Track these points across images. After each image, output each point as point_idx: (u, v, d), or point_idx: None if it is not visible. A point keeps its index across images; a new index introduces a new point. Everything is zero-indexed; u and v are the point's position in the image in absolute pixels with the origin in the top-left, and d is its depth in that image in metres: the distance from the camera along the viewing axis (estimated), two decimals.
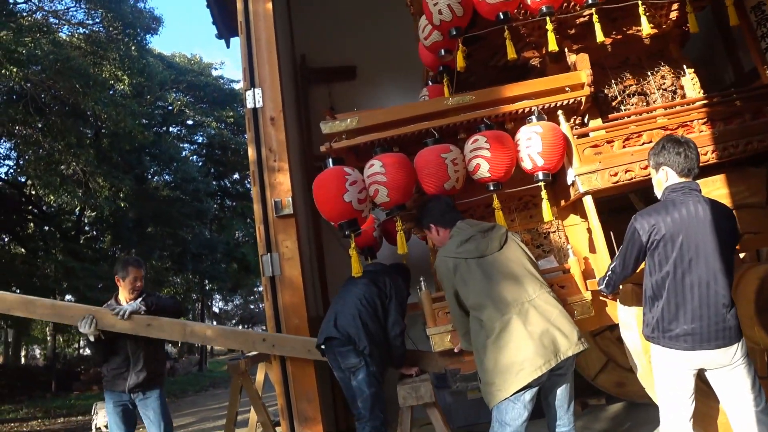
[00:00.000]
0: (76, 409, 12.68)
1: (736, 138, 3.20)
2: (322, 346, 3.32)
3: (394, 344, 3.30)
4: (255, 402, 4.66)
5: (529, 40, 3.73)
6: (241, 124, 17.94)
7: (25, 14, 10.65)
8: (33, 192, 14.39)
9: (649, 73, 3.73)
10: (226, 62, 63.26)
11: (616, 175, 3.07)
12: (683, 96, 3.66)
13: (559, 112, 3.18)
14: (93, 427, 8.30)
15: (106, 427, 7.12)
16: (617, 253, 2.65)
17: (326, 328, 3.27)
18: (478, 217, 3.32)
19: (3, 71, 8.69)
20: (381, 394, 3.19)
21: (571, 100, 3.21)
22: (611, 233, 3.18)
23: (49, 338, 21.84)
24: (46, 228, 14.37)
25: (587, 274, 3.21)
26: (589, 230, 3.36)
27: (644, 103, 3.65)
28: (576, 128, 3.33)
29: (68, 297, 16.04)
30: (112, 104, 10.26)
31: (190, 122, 18.53)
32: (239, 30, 4.18)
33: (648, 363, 2.95)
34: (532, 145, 2.92)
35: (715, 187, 3.18)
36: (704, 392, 2.70)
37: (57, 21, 11.03)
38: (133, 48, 11.29)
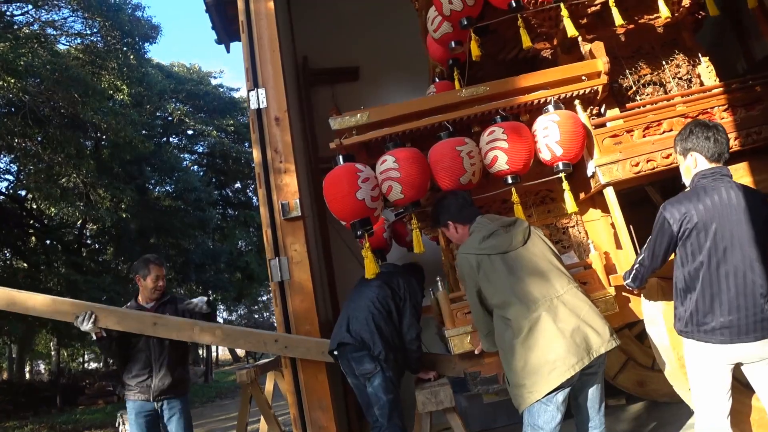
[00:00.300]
0: (81, 424, 12.54)
1: (758, 124, 3.12)
2: (335, 352, 3.19)
3: (410, 348, 3.17)
4: (265, 412, 4.53)
5: (540, 31, 3.64)
6: (241, 133, 17.89)
7: (22, 25, 10.58)
8: (34, 206, 14.30)
9: (663, 62, 3.63)
10: (225, 71, 63.30)
11: (637, 165, 2.97)
12: (700, 84, 3.56)
13: (576, 101, 3.07)
14: None
15: None
16: (645, 245, 2.53)
17: (338, 333, 3.14)
18: (494, 213, 3.20)
19: (1, 83, 8.61)
20: (398, 401, 3.06)
21: (588, 90, 3.11)
22: (630, 227, 3.08)
23: (53, 353, 21.73)
24: (48, 241, 14.26)
25: (609, 269, 3.11)
26: (613, 226, 3.26)
27: (659, 93, 3.55)
28: (593, 118, 3.22)
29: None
30: (112, 114, 10.16)
31: (190, 132, 18.45)
32: (241, 29, 4.08)
33: (677, 360, 2.84)
34: (549, 134, 2.81)
35: (739, 176, 3.07)
36: (735, 388, 2.58)
37: (55, 32, 10.97)
38: (131, 57, 11.21)
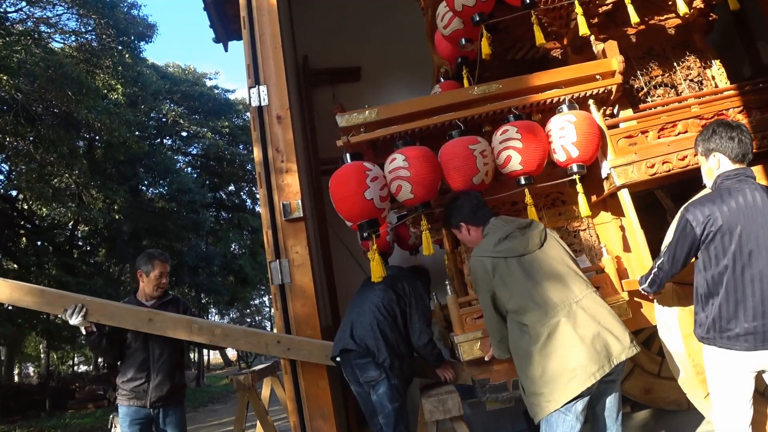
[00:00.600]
0: (71, 429, 12.32)
1: None
2: (338, 359, 3.08)
3: (425, 352, 3.07)
4: (262, 419, 4.41)
5: (551, 30, 3.58)
6: (236, 135, 17.77)
7: (15, 22, 10.42)
8: (25, 206, 14.09)
9: (675, 64, 3.57)
10: (221, 72, 63.12)
11: (653, 166, 2.89)
12: (716, 86, 3.50)
13: (590, 101, 2.99)
14: None
15: None
16: (664, 249, 2.44)
17: (342, 339, 3.02)
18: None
19: None
20: (404, 409, 2.95)
21: (602, 90, 3.04)
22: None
23: (42, 356, 21.43)
24: (39, 243, 14.05)
25: (620, 273, 3.04)
26: (622, 228, 3.18)
27: (671, 95, 3.49)
28: (606, 119, 3.14)
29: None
30: (106, 113, 10.00)
31: (184, 133, 18.31)
32: (242, 25, 3.98)
33: (692, 367, 2.76)
34: (566, 135, 2.73)
35: None
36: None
37: (49, 29, 10.81)
38: (127, 56, 11.06)
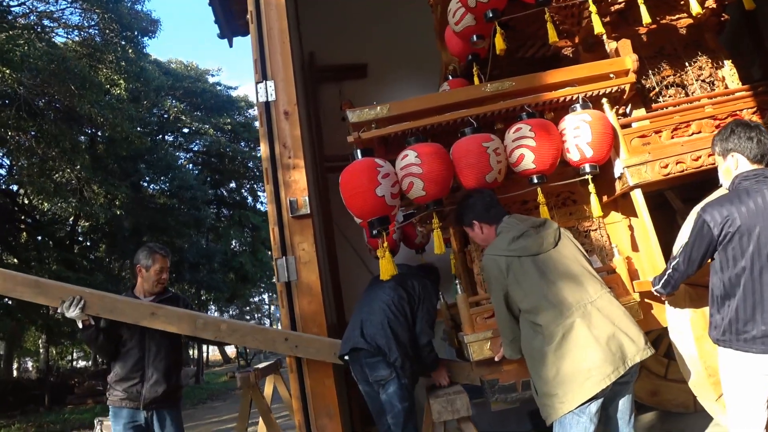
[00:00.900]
0: (70, 424, 12.30)
1: None
2: (346, 357, 3.04)
3: (423, 353, 3.03)
4: (266, 417, 4.39)
5: (563, 28, 3.55)
6: (238, 131, 17.72)
7: (18, 15, 10.36)
8: (26, 201, 14.05)
9: (686, 64, 3.54)
10: (223, 69, 62.92)
11: (666, 167, 2.87)
12: (724, 87, 3.47)
13: (604, 100, 2.96)
14: None
15: None
16: (679, 250, 2.41)
17: (351, 338, 2.99)
18: None
19: None
20: (413, 409, 2.91)
21: (615, 89, 3.00)
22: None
23: (41, 350, 21.38)
24: (39, 237, 14.00)
25: (631, 274, 3.01)
26: (631, 228, 3.15)
27: (682, 95, 3.46)
28: (618, 118, 3.11)
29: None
30: (109, 108, 9.94)
31: (186, 130, 18.25)
32: (249, 20, 3.93)
33: (704, 369, 2.74)
34: (580, 134, 2.70)
35: None
36: None
37: (52, 23, 10.75)
38: (130, 51, 11.00)
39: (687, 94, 3.43)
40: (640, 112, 3.19)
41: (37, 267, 12.62)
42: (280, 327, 3.88)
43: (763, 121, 3.09)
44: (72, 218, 14.29)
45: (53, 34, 10.78)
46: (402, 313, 2.98)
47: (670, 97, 3.41)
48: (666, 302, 2.87)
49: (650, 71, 3.47)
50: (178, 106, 16.84)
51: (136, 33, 11.42)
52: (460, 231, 3.21)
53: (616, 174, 2.89)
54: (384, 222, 2.63)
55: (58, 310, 3.03)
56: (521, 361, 2.69)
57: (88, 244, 16.23)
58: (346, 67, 5.87)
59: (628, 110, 3.24)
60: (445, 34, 3.58)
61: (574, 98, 2.90)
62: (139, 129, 13.48)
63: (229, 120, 17.90)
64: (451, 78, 4.12)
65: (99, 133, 12.24)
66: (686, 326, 2.79)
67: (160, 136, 17.37)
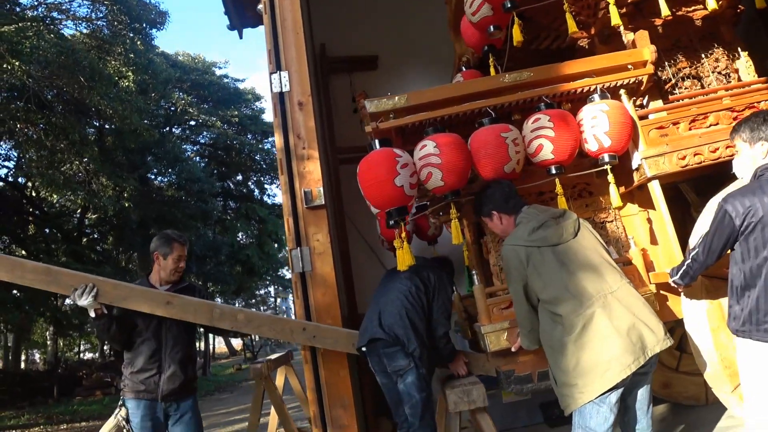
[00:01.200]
0: (79, 415, 12.41)
1: None
2: (363, 349, 3.04)
3: (439, 345, 3.04)
4: (279, 408, 4.42)
5: (579, 20, 3.52)
6: (245, 124, 17.72)
7: (26, 7, 10.36)
8: (34, 193, 14.11)
9: (702, 56, 3.52)
10: (231, 61, 62.76)
11: (684, 158, 2.86)
12: (738, 79, 3.45)
13: (622, 91, 2.95)
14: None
15: None
16: (698, 240, 2.41)
17: (369, 328, 2.98)
18: None
19: (5, 65, 8.39)
20: (431, 399, 2.92)
21: (632, 80, 2.99)
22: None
23: (49, 342, 21.53)
24: (48, 230, 14.08)
25: (647, 266, 3.00)
26: (649, 220, 3.15)
27: (697, 87, 3.44)
28: (636, 110, 3.10)
29: (68, 301, 15.72)
30: (119, 100, 9.95)
31: (192, 122, 18.27)
32: (263, 10, 3.93)
33: (720, 361, 2.74)
34: (598, 124, 2.69)
35: None
36: None
37: (60, 16, 10.74)
38: (138, 43, 10.99)
39: (703, 86, 3.42)
40: (657, 103, 3.18)
41: (46, 259, 12.69)
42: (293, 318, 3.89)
43: None
44: (79, 210, 14.35)
45: (61, 26, 10.80)
46: (419, 303, 2.99)
47: (686, 89, 3.39)
48: (682, 294, 2.87)
49: (666, 63, 3.45)
50: (186, 99, 16.84)
51: (144, 25, 11.41)
52: (474, 222, 3.21)
53: (634, 165, 2.89)
54: (402, 212, 2.63)
55: (70, 299, 2.94)
56: (537, 352, 2.70)
57: (96, 236, 16.31)
58: (356, 59, 5.85)
59: (645, 102, 3.22)
60: (460, 25, 3.56)
61: (591, 89, 2.89)
62: (146, 122, 13.52)
63: (236, 112, 17.90)
64: (464, 69, 4.10)
65: (107, 126, 12.24)
66: (702, 318, 2.79)
67: (167, 129, 17.39)
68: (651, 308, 2.30)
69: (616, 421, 2.25)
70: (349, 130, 5.52)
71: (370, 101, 2.73)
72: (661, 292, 3.02)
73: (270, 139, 19.79)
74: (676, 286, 2.64)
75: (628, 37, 3.25)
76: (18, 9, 9.78)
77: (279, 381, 5.09)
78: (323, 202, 3.58)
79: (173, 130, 18.00)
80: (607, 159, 2.74)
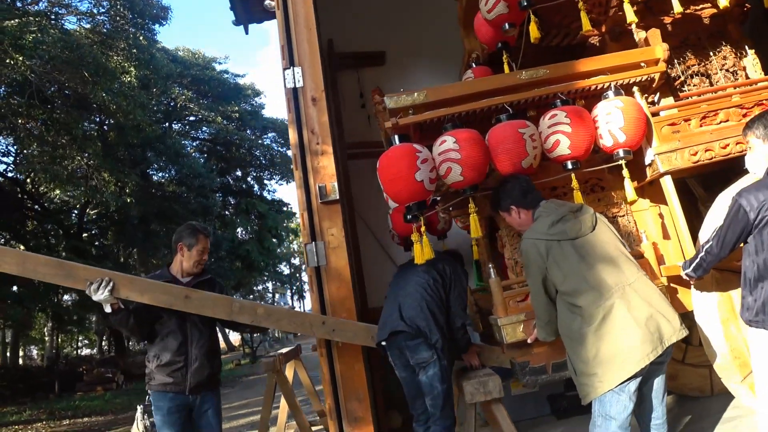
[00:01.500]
0: (81, 411, 12.43)
1: None
2: (383, 343, 3.06)
3: (457, 336, 3.08)
4: (291, 402, 4.47)
5: (590, 18, 3.55)
6: (245, 120, 17.70)
7: (29, 3, 10.32)
8: (34, 189, 14.08)
9: (710, 54, 3.58)
10: (230, 56, 62.49)
11: (696, 154, 2.92)
12: (746, 77, 3.51)
13: (635, 88, 3.00)
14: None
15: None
16: (713, 233, 2.47)
17: (390, 322, 3.01)
18: None
19: (8, 60, 8.38)
20: (452, 391, 2.96)
21: (645, 77, 3.04)
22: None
23: (47, 338, 21.51)
24: (48, 225, 14.05)
25: (658, 259, 3.06)
26: (661, 215, 3.21)
27: (706, 84, 3.50)
28: (648, 107, 3.15)
29: (66, 297, 15.75)
30: (122, 95, 9.95)
31: (191, 118, 18.25)
32: (276, 6, 3.96)
33: (729, 352, 2.81)
34: (612, 120, 2.74)
35: None
36: None
37: (62, 11, 10.69)
38: (141, 38, 10.97)
39: (711, 84, 3.47)
40: (668, 100, 3.23)
41: (47, 254, 12.68)
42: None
43: None
44: (80, 206, 14.33)
45: (63, 21, 10.76)
46: (437, 295, 3.03)
47: (694, 86, 3.45)
48: (692, 286, 2.94)
49: (675, 60, 3.51)
50: (186, 94, 16.83)
51: (147, 20, 11.39)
52: (487, 217, 3.26)
53: (647, 161, 2.94)
54: (422, 207, 2.68)
55: (86, 293, 2.91)
56: (551, 344, 2.77)
57: (95, 232, 16.30)
58: (364, 55, 5.87)
59: (656, 99, 3.28)
60: (474, 21, 3.60)
61: (605, 86, 2.94)
62: (147, 117, 13.49)
63: (236, 108, 17.89)
64: (474, 66, 4.14)
65: (108, 121, 12.23)
66: (713, 309, 2.86)
67: (167, 124, 17.36)
68: (666, 299, 2.36)
69: (633, 410, 2.32)
70: (356, 126, 5.56)
71: (389, 97, 2.78)
72: (672, 285, 3.07)
73: (269, 134, 19.83)
74: (688, 278, 2.70)
75: (639, 35, 3.30)
76: (20, 4, 9.76)
77: (288, 375, 5.16)
78: (337, 197, 3.62)
79: (173, 125, 17.98)
80: (621, 154, 2.80)
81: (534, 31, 2.95)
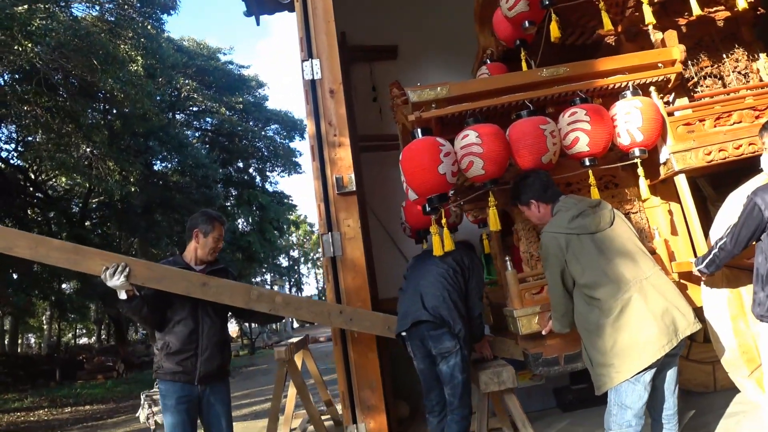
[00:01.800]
0: (82, 399, 12.49)
1: None
2: (403, 333, 3.09)
3: (474, 324, 3.14)
4: (302, 393, 4.50)
5: None
6: (248, 111, 17.71)
7: None
8: (39, 176, 14.09)
9: (723, 56, 3.64)
10: (235, 47, 62.08)
11: (710, 154, 2.99)
12: (760, 79, 3.57)
13: (652, 88, 3.07)
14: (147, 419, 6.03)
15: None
16: (727, 230, 2.54)
17: (412, 312, 3.03)
18: None
19: (16, 47, 8.38)
20: (470, 380, 3.01)
21: (661, 77, 3.11)
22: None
23: (45, 326, 21.56)
24: (51, 213, 14.07)
25: (669, 255, 3.13)
26: (670, 212, 3.28)
27: (719, 85, 3.56)
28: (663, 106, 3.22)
29: (65, 286, 15.77)
30: (130, 84, 9.95)
31: (195, 108, 18.25)
32: None
33: (738, 347, 2.89)
34: (631, 119, 2.81)
35: None
36: None
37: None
38: (149, 27, 10.97)
39: (724, 85, 3.54)
40: (683, 101, 3.30)
41: None
42: None
43: None
44: (84, 194, 14.35)
45: (72, 8, 10.73)
46: (457, 285, 3.07)
47: (707, 87, 3.51)
48: (702, 283, 3.01)
49: (689, 62, 3.57)
50: (191, 84, 16.81)
51: (155, 9, 11.38)
52: (502, 212, 3.33)
53: (662, 159, 3.01)
54: (443, 199, 2.74)
55: (101, 278, 2.86)
56: (565, 336, 2.84)
57: (96, 220, 16.31)
58: (377, 48, 5.90)
59: (671, 99, 3.34)
60: (492, 18, 3.65)
61: (623, 86, 3.01)
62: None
63: (240, 99, 17.89)
64: (488, 62, 4.19)
65: (113, 110, 12.23)
66: (723, 305, 2.93)
67: (171, 114, 17.36)
68: (681, 294, 2.44)
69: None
70: (369, 119, 5.61)
71: (413, 91, 2.83)
72: (682, 281, 3.14)
73: (272, 126, 19.83)
74: (700, 274, 2.76)
75: (656, 36, 3.36)
76: None
77: (297, 364, 5.20)
78: (354, 189, 3.67)
79: (177, 115, 17.98)
80: (637, 153, 2.87)
81: (555, 30, 3.00)
